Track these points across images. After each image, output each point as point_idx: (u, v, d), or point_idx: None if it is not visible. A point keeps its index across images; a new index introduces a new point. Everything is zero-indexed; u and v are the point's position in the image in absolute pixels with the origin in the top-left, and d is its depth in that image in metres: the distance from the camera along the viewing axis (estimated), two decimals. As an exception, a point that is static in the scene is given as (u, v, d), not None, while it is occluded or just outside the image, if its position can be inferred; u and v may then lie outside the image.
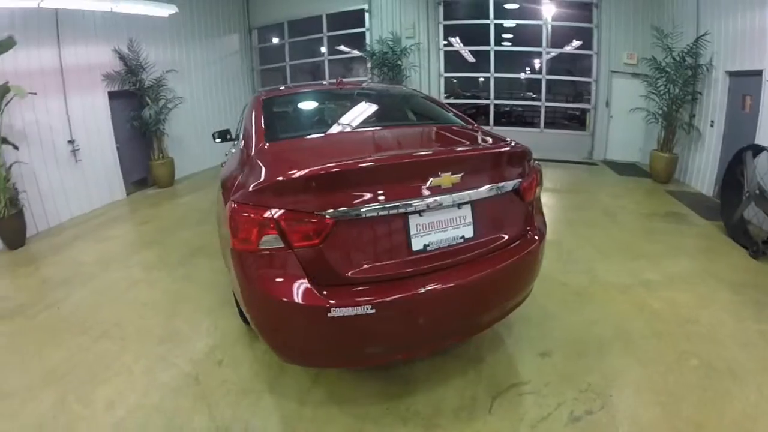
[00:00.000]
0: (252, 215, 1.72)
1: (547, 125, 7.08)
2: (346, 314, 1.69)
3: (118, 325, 3.06)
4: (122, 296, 3.46)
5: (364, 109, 2.79)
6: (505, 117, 7.57)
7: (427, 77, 7.26)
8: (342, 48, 8.43)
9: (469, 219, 1.97)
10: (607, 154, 7.07)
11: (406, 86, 3.44)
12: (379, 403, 2.18)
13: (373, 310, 1.71)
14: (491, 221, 2.07)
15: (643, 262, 3.58)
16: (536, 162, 2.33)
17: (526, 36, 7.00)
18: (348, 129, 2.55)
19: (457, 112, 2.89)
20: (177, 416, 2.15)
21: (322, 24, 8.24)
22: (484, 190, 1.97)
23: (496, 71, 7.05)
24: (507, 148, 2.16)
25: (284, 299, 1.72)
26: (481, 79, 7.39)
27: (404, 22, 7.24)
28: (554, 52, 7.03)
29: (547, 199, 5.16)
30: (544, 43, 6.84)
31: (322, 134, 2.44)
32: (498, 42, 6.98)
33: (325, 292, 1.73)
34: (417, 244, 1.85)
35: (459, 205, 1.93)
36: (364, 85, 3.76)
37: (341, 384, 2.32)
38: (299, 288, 1.73)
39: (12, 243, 4.97)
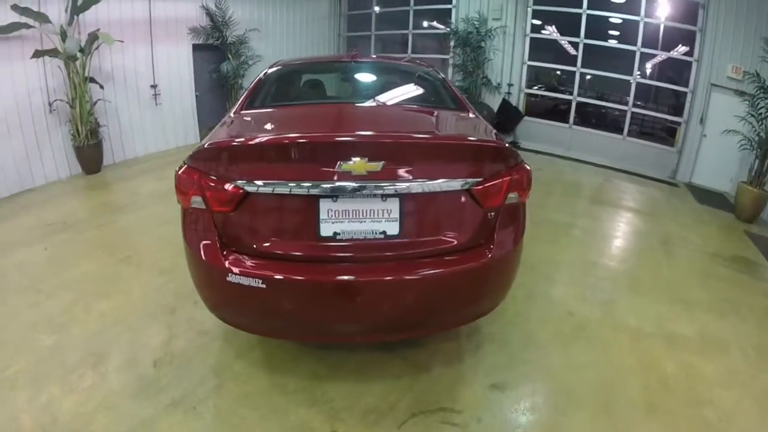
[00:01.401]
0: (185, 176, 1.88)
1: (631, 133, 6.25)
2: (240, 282, 1.79)
3: (139, 253, 3.66)
4: (153, 230, 4.06)
5: (353, 85, 2.87)
6: (587, 117, 6.86)
7: (509, 63, 6.83)
8: (426, 23, 8.28)
9: (396, 214, 1.82)
10: (693, 176, 6.04)
11: (432, 67, 3.25)
12: (302, 380, 2.25)
13: (264, 285, 1.77)
14: (427, 222, 1.90)
15: (678, 309, 3.01)
16: (523, 165, 2.02)
17: (620, 31, 6.21)
18: (317, 103, 2.63)
19: (462, 98, 2.65)
20: (142, 335, 2.65)
21: None
22: (416, 185, 1.78)
23: (583, 66, 6.38)
24: (460, 141, 1.94)
25: (199, 256, 1.90)
26: (563, 73, 6.76)
27: (492, 2, 6.87)
28: (649, 52, 6.11)
29: (604, 213, 4.63)
30: (638, 42, 5.96)
31: (288, 106, 2.53)
32: (589, 35, 6.28)
33: (231, 257, 1.85)
34: (326, 230, 1.82)
35: (383, 197, 1.79)
36: (390, 61, 3.71)
37: (281, 353, 2.43)
38: (208, 248, 1.88)
39: (88, 169, 5.88)
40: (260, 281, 1.77)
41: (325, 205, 1.79)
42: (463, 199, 1.87)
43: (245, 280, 1.78)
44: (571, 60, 6.47)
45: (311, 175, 1.74)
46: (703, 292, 3.23)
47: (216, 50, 7.40)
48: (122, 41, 5.86)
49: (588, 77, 6.65)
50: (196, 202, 1.86)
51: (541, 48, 6.95)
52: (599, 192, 5.37)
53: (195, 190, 1.84)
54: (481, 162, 1.90)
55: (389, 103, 2.61)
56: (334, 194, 1.77)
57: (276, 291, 1.81)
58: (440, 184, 1.81)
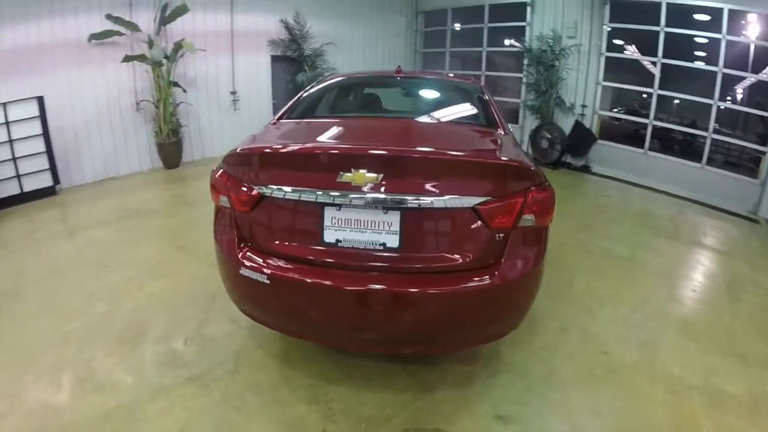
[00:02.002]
0: (218, 177, 2.12)
1: (711, 162, 5.59)
2: (250, 276, 1.96)
3: (195, 243, 4.03)
4: (212, 225, 4.44)
5: (389, 99, 3.01)
6: (664, 142, 6.31)
7: (583, 83, 6.55)
8: (502, 41, 8.25)
9: (396, 227, 1.85)
10: (777, 212, 5.27)
11: (474, 83, 3.24)
12: (310, 378, 2.34)
13: (268, 282, 1.92)
14: (429, 237, 1.91)
15: (731, 363, 2.61)
16: (545, 187, 1.95)
17: (701, 51, 5.63)
18: (348, 116, 2.76)
19: (496, 116, 2.61)
20: (181, 316, 2.93)
21: (484, 14, 8.19)
22: (417, 200, 1.80)
23: (660, 87, 5.87)
24: (466, 158, 1.91)
25: (222, 248, 2.13)
26: (648, 96, 6.28)
27: (566, 20, 6.65)
28: (734, 74, 5.44)
29: (669, 248, 4.21)
30: (720, 62, 5.34)
31: (319, 118, 2.68)
32: (667, 54, 5.79)
33: (245, 252, 2.04)
34: (329, 237, 1.91)
35: (385, 209, 1.84)
36: (432, 76, 3.78)
37: (298, 350, 2.55)
38: (229, 243, 2.09)
39: (168, 164, 6.59)
40: (265, 277, 1.92)
41: (329, 213, 1.89)
42: (468, 217, 1.84)
43: (253, 275, 1.95)
44: (650, 81, 6.04)
45: (316, 184, 1.86)
46: (765, 347, 2.82)
47: (293, 62, 7.95)
48: (205, 50, 6.57)
49: (669, 100, 6.17)
50: (224, 201, 2.09)
51: (618, 68, 6.59)
52: (668, 224, 4.88)
53: (223, 190, 2.07)
54: (490, 180, 1.87)
55: (419, 118, 2.66)
56: (337, 203, 1.86)
57: (278, 288, 1.94)
58: (443, 201, 1.81)
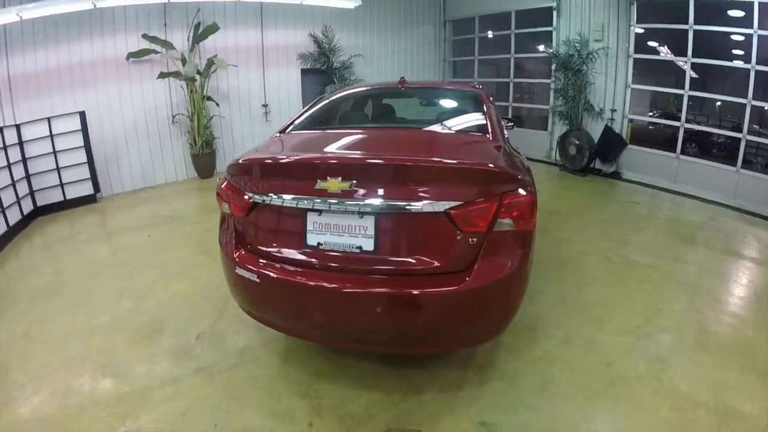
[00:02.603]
0: (222, 185, 2.35)
1: (746, 164, 5.24)
2: (243, 275, 2.16)
3: (217, 248, 4.20)
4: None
5: (388, 111, 3.22)
6: (697, 146, 6.00)
7: (612, 86, 6.41)
8: (528, 47, 8.23)
9: (371, 231, 1.95)
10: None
11: (478, 92, 3.32)
12: (306, 374, 2.48)
13: (258, 280, 2.10)
14: (402, 241, 1.98)
15: (748, 380, 2.33)
16: (525, 190, 1.97)
17: (732, 48, 5.33)
18: (343, 128, 2.88)
19: (491, 124, 2.62)
20: (197, 313, 3.17)
21: (511, 21, 8.22)
22: (389, 205, 1.89)
23: (691, 88, 5.61)
24: (437, 164, 1.96)
25: (223, 250, 2.36)
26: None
27: (593, 22, 6.56)
28: (765, 70, 5.09)
29: (695, 256, 4.02)
30: (753, 59, 5.03)
31: (318, 130, 2.82)
32: (697, 53, 5.53)
33: (240, 254, 2.24)
34: (311, 240, 2.05)
35: (360, 214, 1.95)
36: (435, 86, 3.93)
37: (299, 348, 2.70)
38: (228, 245, 2.33)
39: (202, 174, 7.03)
40: (256, 276, 2.10)
41: (311, 218, 2.04)
42: (440, 221, 1.89)
43: (246, 274, 2.14)
44: (681, 82, 5.81)
45: (298, 191, 2.02)
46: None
47: (323, 74, 8.27)
48: (236, 65, 7.01)
49: (702, 102, 5.92)
50: (226, 207, 2.31)
51: (649, 70, 6.41)
52: (698, 231, 4.63)
53: (225, 197, 2.28)
54: (462, 185, 1.92)
55: (412, 127, 2.83)
56: (318, 209, 2.00)
57: (266, 287, 2.11)
58: (414, 206, 1.88)
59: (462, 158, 2.06)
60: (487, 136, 2.49)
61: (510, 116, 8.31)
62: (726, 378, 2.46)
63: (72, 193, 5.66)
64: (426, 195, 1.88)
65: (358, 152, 2.20)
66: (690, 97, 5.72)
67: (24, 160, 5.16)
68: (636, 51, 6.13)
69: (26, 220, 5.09)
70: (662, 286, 3.46)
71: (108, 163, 6.20)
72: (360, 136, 2.57)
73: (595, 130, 6.54)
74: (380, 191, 1.91)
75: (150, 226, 5.02)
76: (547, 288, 3.35)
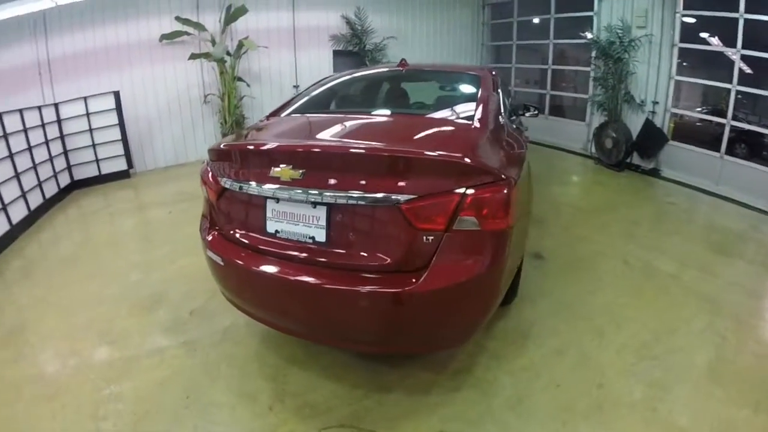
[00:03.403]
0: (202, 169, 2.40)
1: None
2: (212, 257, 2.21)
3: None
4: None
5: (379, 95, 3.10)
6: (746, 146, 5.36)
7: (655, 77, 5.91)
8: (568, 32, 7.74)
9: (323, 222, 1.90)
10: None
11: (483, 74, 3.02)
12: (279, 358, 2.51)
13: (222, 263, 2.15)
14: (354, 234, 1.90)
15: (762, 420, 2.24)
16: (497, 186, 1.79)
17: None
18: (328, 113, 2.80)
19: (482, 111, 2.40)
20: (195, 290, 3.26)
21: (551, 4, 7.70)
22: (339, 195, 1.81)
23: (743, 83, 4.98)
24: (393, 153, 1.83)
25: (200, 230, 2.44)
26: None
27: (636, 8, 6.02)
28: None
29: (727, 269, 3.53)
30: None
31: (298, 116, 2.73)
32: (748, 44, 4.90)
33: (211, 236, 2.30)
34: (270, 227, 2.04)
35: (314, 204, 1.89)
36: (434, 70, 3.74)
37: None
38: (203, 226, 2.41)
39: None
40: (221, 259, 2.15)
41: (270, 205, 2.03)
42: (392, 216, 1.78)
43: (214, 256, 2.18)
44: (726, 75, 5.21)
45: (258, 178, 2.00)
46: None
47: (355, 56, 8.19)
48: (267, 47, 7.08)
49: (754, 99, 5.27)
50: (205, 191, 2.36)
51: (698, 61, 5.83)
52: (735, 241, 4.13)
53: (204, 180, 2.33)
54: (419, 177, 1.77)
55: (395, 112, 2.72)
56: (276, 197, 1.98)
57: (230, 270, 2.16)
58: (364, 197, 1.79)
59: (422, 147, 1.90)
60: (472, 122, 2.27)
61: (547, 105, 7.95)
62: (735, 417, 2.13)
63: (107, 168, 6.02)
64: (377, 187, 1.77)
65: (315, 140, 2.13)
66: (741, 93, 5.15)
67: (62, 136, 5.53)
68: (682, 40, 5.59)
69: (63, 192, 5.49)
70: (683, 300, 3.09)
71: (142, 140, 6.52)
72: (335, 122, 2.48)
73: (634, 123, 6.09)
74: (331, 181, 1.84)
75: (174, 202, 5.24)
76: (551, 290, 3.15)
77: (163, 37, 6.16)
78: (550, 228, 4.26)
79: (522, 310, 2.90)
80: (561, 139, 7.54)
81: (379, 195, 1.77)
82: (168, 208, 5.08)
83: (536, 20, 8.27)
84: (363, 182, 1.80)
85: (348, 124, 2.41)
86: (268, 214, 2.03)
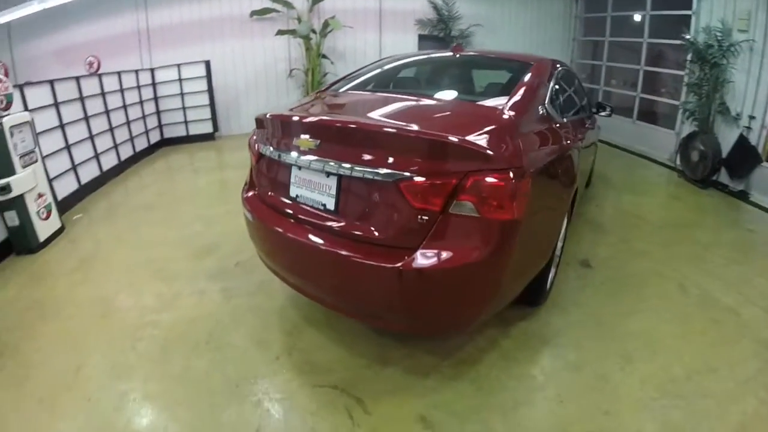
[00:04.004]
0: (250, 136, 2.55)
1: None
2: (246, 214, 2.41)
3: None
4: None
5: (419, 78, 3.11)
6: None
7: (754, 88, 5.05)
8: (664, 32, 6.80)
9: (333, 191, 1.97)
10: None
11: (549, 64, 2.81)
12: (300, 317, 2.64)
13: (252, 220, 2.34)
14: (359, 206, 1.94)
15: None
16: (504, 174, 1.70)
17: None
18: (371, 91, 2.79)
19: (524, 98, 2.26)
20: (245, 246, 3.20)
21: (646, 0, 6.91)
22: (346, 168, 1.85)
23: None
24: (398, 131, 1.83)
25: (242, 189, 2.64)
26: None
27: (738, 9, 5.11)
28: None
29: None
30: None
31: (341, 93, 2.78)
32: None
33: (248, 195, 2.50)
34: (293, 192, 2.16)
35: (327, 174, 1.96)
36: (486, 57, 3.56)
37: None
38: (245, 186, 2.61)
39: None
40: (251, 215, 2.34)
41: (294, 172, 2.14)
42: (392, 192, 1.77)
43: (248, 214, 2.39)
44: None
45: (286, 146, 2.14)
46: None
47: (440, 41, 8.02)
48: (352, 27, 7.18)
49: None
50: (250, 155, 2.54)
51: None
52: None
53: (249, 145, 2.50)
54: (420, 156, 1.75)
55: (430, 95, 2.61)
56: (298, 164, 2.07)
57: (257, 226, 2.32)
58: (368, 171, 1.81)
59: (430, 128, 1.84)
60: (502, 109, 2.13)
61: (636, 109, 7.23)
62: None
63: (194, 130, 6.60)
64: (381, 163, 1.79)
65: (334, 114, 2.21)
66: None
67: (156, 98, 6.14)
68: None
69: (153, 148, 6.12)
70: (735, 339, 2.64)
71: (228, 107, 7.03)
72: (366, 100, 2.53)
73: (726, 137, 5.30)
74: (341, 153, 1.90)
75: (247, 165, 5.60)
76: (588, 302, 2.89)
77: (254, 13, 6.51)
78: (608, 236, 3.93)
79: (550, 315, 2.72)
80: (647, 147, 6.84)
81: (381, 170, 1.78)
82: (240, 171, 5.42)
83: (631, 16, 7.48)
84: (369, 157, 1.83)
85: (376, 102, 2.45)
86: (292, 179, 2.15)
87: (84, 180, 4.58)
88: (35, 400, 2.07)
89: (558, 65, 3.06)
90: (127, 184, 5.14)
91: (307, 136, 1.99)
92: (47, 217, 3.60)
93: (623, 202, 4.84)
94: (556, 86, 2.81)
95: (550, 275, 2.71)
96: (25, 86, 3.87)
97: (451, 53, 3.16)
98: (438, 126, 1.93)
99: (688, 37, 5.79)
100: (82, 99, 4.66)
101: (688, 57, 5.80)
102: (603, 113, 4.14)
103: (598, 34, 8.29)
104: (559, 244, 2.85)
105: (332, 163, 1.91)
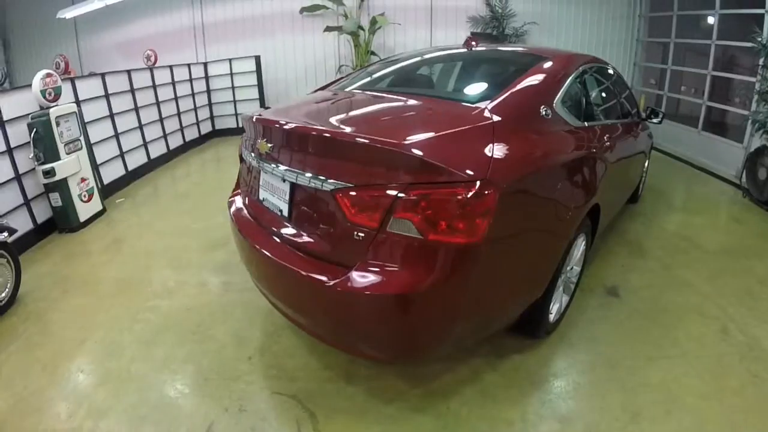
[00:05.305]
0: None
1: None
2: (228, 213, 2.28)
3: None
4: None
5: (415, 76, 2.78)
6: None
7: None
8: (734, 33, 5.65)
9: (287, 198, 1.78)
10: None
11: (584, 61, 2.41)
12: (284, 318, 2.37)
13: (231, 220, 2.19)
14: (307, 214, 1.73)
15: None
16: (455, 189, 1.39)
17: None
18: (361, 89, 2.44)
19: (519, 97, 1.91)
20: None
21: None
22: (293, 174, 1.69)
23: None
24: (338, 136, 1.61)
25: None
26: None
27: None
28: None
29: None
30: None
31: (329, 91, 2.54)
32: None
33: (233, 196, 2.39)
34: (261, 194, 2.00)
35: (283, 179, 1.78)
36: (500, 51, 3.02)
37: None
38: (234, 189, 2.48)
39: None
40: (230, 215, 2.23)
41: (262, 174, 1.98)
42: (331, 202, 1.57)
43: (229, 213, 2.26)
44: None
45: (252, 149, 2.01)
46: None
47: (493, 39, 7.51)
48: (400, 24, 6.87)
49: None
50: None
51: None
52: None
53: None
54: (360, 163, 1.51)
55: (426, 94, 2.33)
56: (261, 167, 1.92)
57: (233, 226, 2.16)
58: (308, 178, 1.62)
59: (372, 131, 1.58)
60: (482, 108, 1.77)
61: (701, 118, 6.25)
62: None
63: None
64: (324, 170, 1.58)
65: (292, 117, 1.98)
66: None
67: (208, 90, 6.28)
68: None
69: (204, 138, 6.29)
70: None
71: (279, 100, 7.03)
72: (341, 100, 2.26)
73: None
74: (290, 158, 1.74)
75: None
76: (603, 339, 2.37)
77: (303, 9, 6.43)
78: (647, 261, 3.30)
79: (553, 351, 2.28)
80: (711, 160, 5.89)
81: (321, 178, 1.58)
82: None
83: (699, 16, 6.41)
84: (314, 164, 1.64)
85: (349, 103, 2.20)
86: (261, 182, 2.00)
87: (131, 166, 4.78)
88: (40, 366, 2.21)
89: (588, 62, 2.59)
90: (174, 171, 5.31)
91: (264, 140, 1.86)
92: (89, 200, 3.76)
93: (673, 222, 4.14)
94: (579, 85, 2.36)
95: (558, 305, 2.29)
96: (76, 79, 4.07)
97: (463, 49, 2.76)
98: (385, 129, 1.69)
99: (759, 38, 4.82)
100: (132, 91, 4.85)
101: (760, 61, 4.84)
102: (654, 120, 3.55)
103: (663, 35, 7.24)
104: (575, 269, 2.42)
105: (282, 168, 1.75)
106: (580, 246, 2.35)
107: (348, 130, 1.65)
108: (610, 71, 3.19)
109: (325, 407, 1.91)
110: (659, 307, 2.74)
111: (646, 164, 4.30)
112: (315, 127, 1.75)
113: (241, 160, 2.27)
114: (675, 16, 6.82)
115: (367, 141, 1.50)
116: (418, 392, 2.00)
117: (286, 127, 1.79)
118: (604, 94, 2.91)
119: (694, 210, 4.64)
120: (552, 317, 2.25)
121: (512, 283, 1.81)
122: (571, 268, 2.37)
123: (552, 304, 2.19)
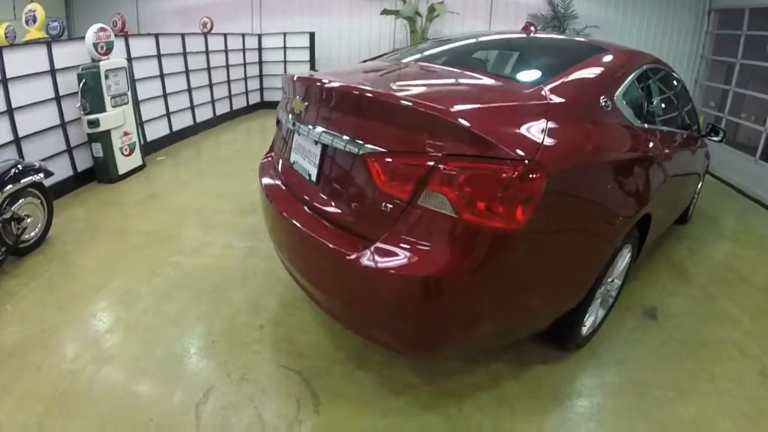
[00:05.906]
0: None
1: None
2: (258, 174, 2.17)
3: None
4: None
5: (471, 55, 2.53)
6: None
7: None
8: None
9: (317, 161, 1.62)
10: None
11: (647, 59, 2.18)
12: (298, 290, 2.27)
13: (260, 183, 2.06)
14: (335, 179, 1.56)
15: None
16: (498, 164, 1.21)
17: None
18: (417, 61, 2.25)
19: (578, 84, 1.71)
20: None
21: None
22: (325, 134, 1.53)
23: None
24: (380, 97, 1.42)
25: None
26: None
27: None
28: None
29: None
30: None
31: (380, 60, 2.41)
32: None
33: (266, 159, 2.27)
34: (292, 157, 1.85)
35: (315, 141, 1.62)
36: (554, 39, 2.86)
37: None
38: (267, 151, 2.37)
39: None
40: (259, 178, 2.11)
41: (295, 136, 1.83)
42: (363, 169, 1.39)
43: (258, 174, 2.15)
44: None
45: (288, 109, 1.86)
46: None
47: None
48: (458, 13, 6.61)
49: None
50: None
51: None
52: None
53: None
54: (398, 128, 1.34)
55: (472, 69, 2.06)
56: (295, 128, 1.77)
57: (262, 188, 2.03)
58: (343, 140, 1.44)
59: (416, 96, 1.43)
60: (538, 87, 1.58)
61: (761, 146, 5.68)
62: None
63: (296, 98, 6.65)
64: (359, 133, 1.41)
65: (335, 78, 1.76)
66: None
67: (260, 62, 6.23)
68: None
69: (252, 108, 6.27)
70: None
71: (328, 78, 6.96)
72: (393, 69, 2.06)
73: None
74: (327, 119, 1.57)
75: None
76: (635, 363, 2.13)
77: (361, -9, 6.27)
78: (690, 287, 2.96)
79: (580, 368, 2.06)
80: (767, 192, 5.38)
81: (356, 142, 1.41)
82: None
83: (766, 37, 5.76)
84: (350, 126, 1.47)
85: (399, 72, 2.01)
86: (294, 144, 1.86)
87: (176, 127, 4.80)
88: (57, 305, 2.21)
89: (653, 62, 2.33)
90: (218, 137, 5.32)
91: (299, 98, 1.73)
92: (130, 154, 3.78)
93: (721, 251, 3.75)
94: (641, 83, 2.12)
95: (593, 318, 2.07)
96: (130, 37, 4.08)
97: (522, 34, 2.54)
98: (431, 96, 1.50)
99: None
100: (185, 54, 4.84)
101: None
102: (714, 138, 3.21)
103: (729, 54, 6.59)
104: (616, 282, 2.19)
105: (317, 130, 1.58)
106: (625, 257, 2.11)
107: (391, 92, 1.48)
108: (675, 77, 2.89)
109: (330, 390, 1.78)
110: (698, 338, 2.45)
111: (700, 185, 3.93)
112: (356, 86, 1.57)
113: (278, 123, 2.15)
114: (743, 36, 6.20)
115: (410, 104, 1.33)
116: (430, 389, 1.84)
117: (326, 86, 1.64)
118: (666, 100, 2.63)
119: (745, 242, 4.21)
120: (585, 330, 2.03)
121: (549, 284, 1.60)
122: (612, 281, 2.13)
123: (587, 315, 1.97)
